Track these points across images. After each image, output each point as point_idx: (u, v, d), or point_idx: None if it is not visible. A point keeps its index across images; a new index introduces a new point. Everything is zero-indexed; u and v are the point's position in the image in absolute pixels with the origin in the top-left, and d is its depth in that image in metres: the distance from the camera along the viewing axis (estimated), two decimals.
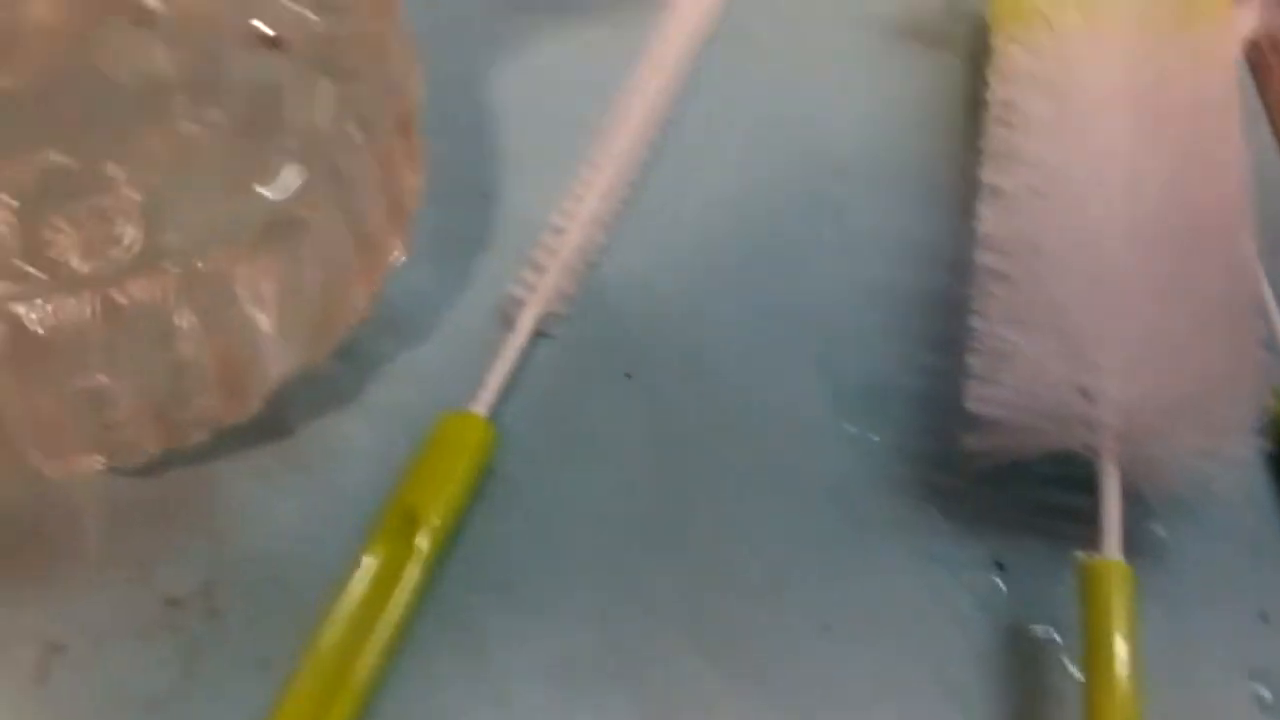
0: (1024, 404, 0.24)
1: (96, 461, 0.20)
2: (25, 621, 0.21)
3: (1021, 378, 0.24)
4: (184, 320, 0.17)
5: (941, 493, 0.26)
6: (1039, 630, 0.24)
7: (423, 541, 0.22)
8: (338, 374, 0.25)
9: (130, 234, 0.18)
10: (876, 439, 0.27)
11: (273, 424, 0.24)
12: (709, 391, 0.27)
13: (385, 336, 0.26)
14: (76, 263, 0.17)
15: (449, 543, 0.23)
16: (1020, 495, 0.25)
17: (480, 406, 0.25)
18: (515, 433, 0.25)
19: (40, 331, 0.16)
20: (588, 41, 0.33)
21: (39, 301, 0.17)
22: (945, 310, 0.28)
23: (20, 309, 0.17)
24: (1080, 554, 0.23)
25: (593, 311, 0.28)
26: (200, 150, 0.18)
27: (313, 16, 0.18)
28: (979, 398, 0.25)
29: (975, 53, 0.36)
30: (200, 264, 0.18)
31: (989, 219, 0.28)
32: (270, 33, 0.17)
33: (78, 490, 0.23)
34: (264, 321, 0.19)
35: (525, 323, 0.27)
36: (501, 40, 0.33)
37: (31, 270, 0.17)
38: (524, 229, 0.28)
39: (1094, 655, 0.21)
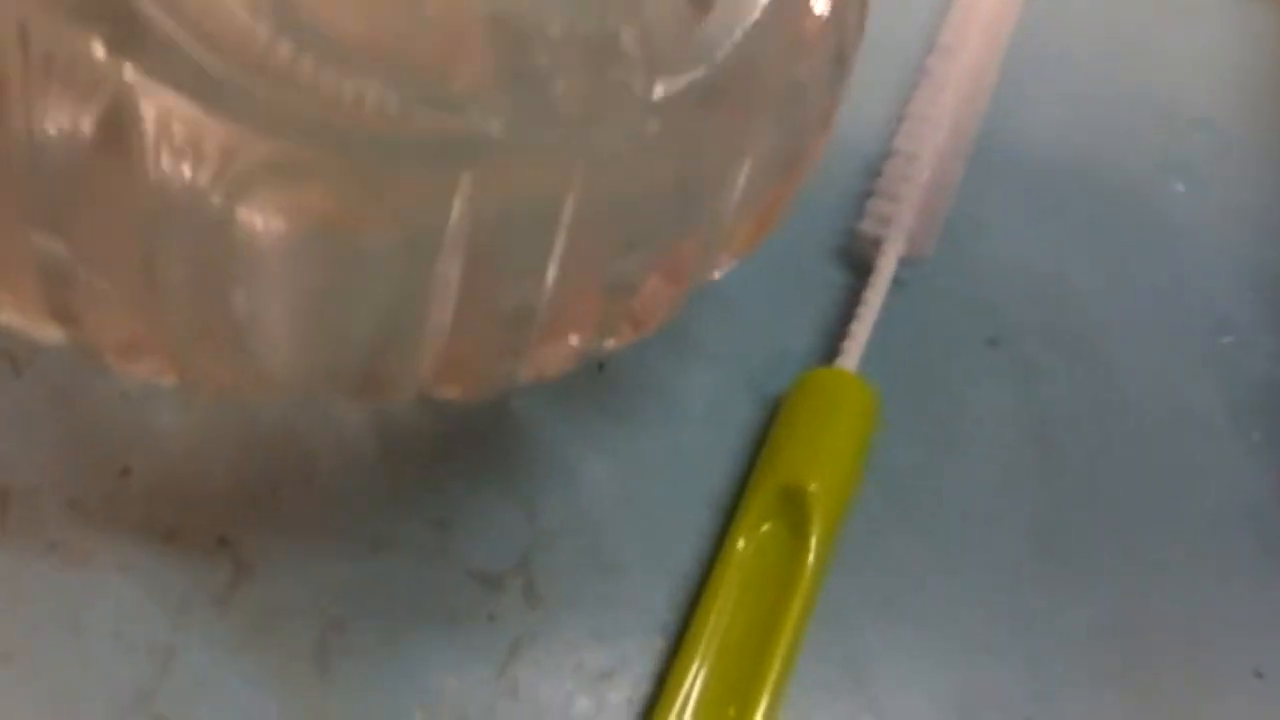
0: None
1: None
2: (302, 594, 0.16)
3: None
4: None
5: None
6: None
7: (817, 528, 0.17)
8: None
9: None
10: (1272, 438, 0.21)
11: (586, 366, 0.19)
12: (1088, 375, 0.22)
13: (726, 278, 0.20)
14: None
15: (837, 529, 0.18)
16: None
17: (849, 363, 0.20)
18: (883, 402, 0.20)
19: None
20: None
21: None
22: None
23: None
24: None
25: (946, 261, 0.22)
26: None
27: None
28: None
29: None
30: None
31: None
32: None
33: (365, 430, 0.17)
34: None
35: (884, 265, 0.21)
36: None
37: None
38: (858, 159, 0.23)
39: None
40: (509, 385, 0.15)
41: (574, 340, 0.15)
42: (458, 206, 0.12)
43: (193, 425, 0.17)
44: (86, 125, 0.10)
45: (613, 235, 0.13)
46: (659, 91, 0.12)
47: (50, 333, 0.13)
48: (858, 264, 0.22)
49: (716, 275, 0.16)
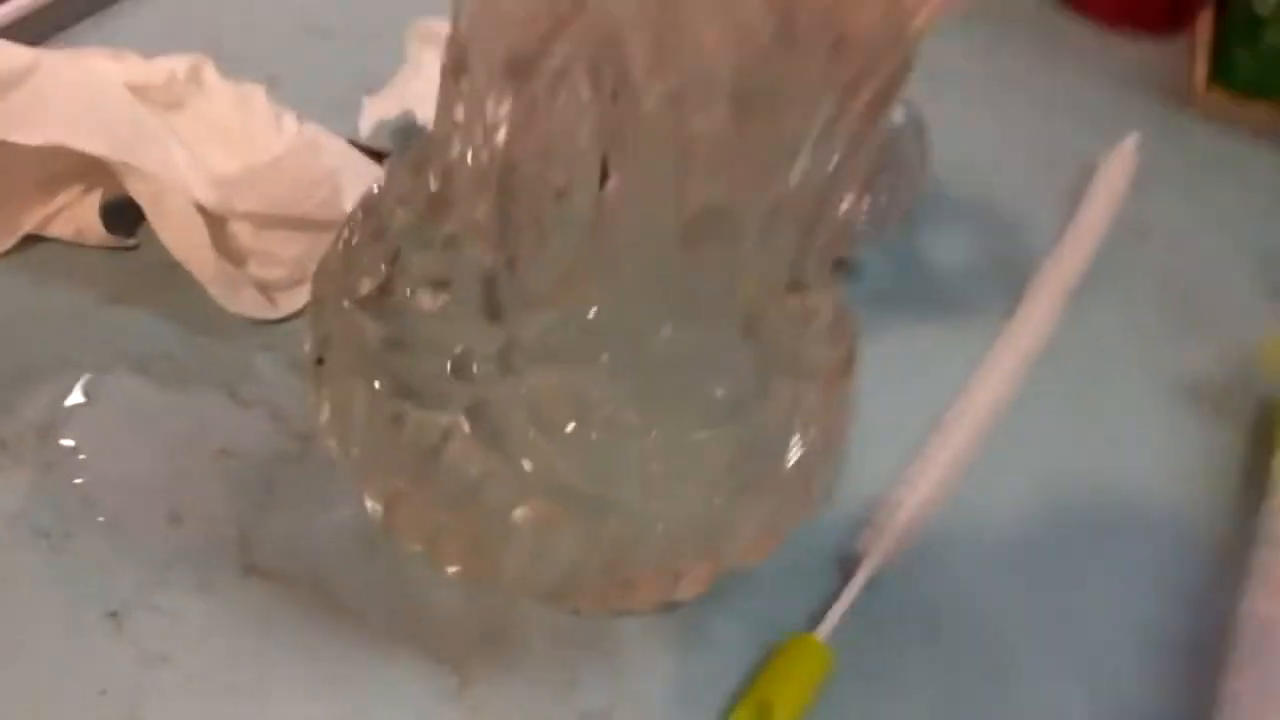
0: None
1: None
2: (495, 699, 0.29)
3: None
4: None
5: None
6: None
7: None
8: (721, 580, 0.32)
9: None
10: None
11: (665, 607, 0.32)
12: (995, 673, 0.33)
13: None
14: None
15: None
16: None
17: (823, 633, 0.32)
18: (845, 660, 0.32)
19: None
20: (929, 346, 0.41)
21: None
22: (1204, 664, 0.34)
23: None
24: None
25: (914, 575, 0.35)
26: None
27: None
28: None
29: (1258, 423, 0.42)
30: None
31: (1255, 598, 0.34)
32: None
33: (536, 617, 0.31)
34: (738, 549, 0.27)
35: (861, 574, 0.34)
36: (869, 328, 0.41)
37: None
38: (864, 495, 0.36)
39: None
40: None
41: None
42: None
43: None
44: None
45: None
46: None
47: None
48: (850, 571, 0.35)
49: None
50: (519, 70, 0.20)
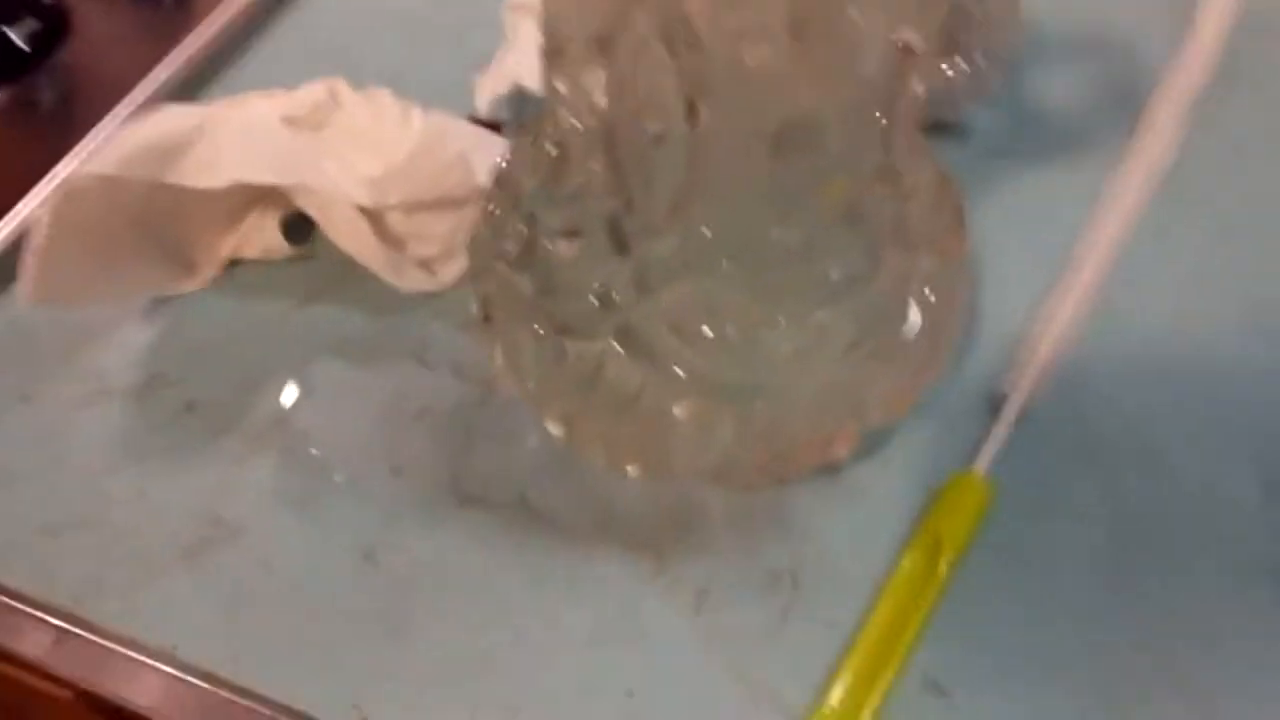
0: None
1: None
2: (689, 573, 0.33)
3: None
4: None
5: None
6: None
7: (944, 563, 0.32)
8: (874, 434, 0.35)
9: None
10: None
11: (828, 469, 0.35)
12: (1158, 479, 0.35)
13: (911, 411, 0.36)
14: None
15: (960, 562, 0.33)
16: None
17: (980, 469, 0.35)
18: (1005, 493, 0.34)
19: None
20: (1052, 187, 0.42)
21: None
22: None
23: None
24: None
25: (1062, 404, 0.37)
26: None
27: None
28: None
29: None
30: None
31: None
32: None
33: (713, 498, 0.35)
34: (876, 409, 0.30)
35: (1010, 410, 0.36)
36: (977, 189, 0.43)
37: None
38: (1006, 337, 0.38)
39: None
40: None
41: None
42: None
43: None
44: None
45: None
46: None
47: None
48: (999, 407, 0.37)
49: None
50: (605, 44, 0.23)
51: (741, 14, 0.21)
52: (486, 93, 0.42)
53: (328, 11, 0.52)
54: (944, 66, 0.42)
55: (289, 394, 0.38)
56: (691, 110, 0.23)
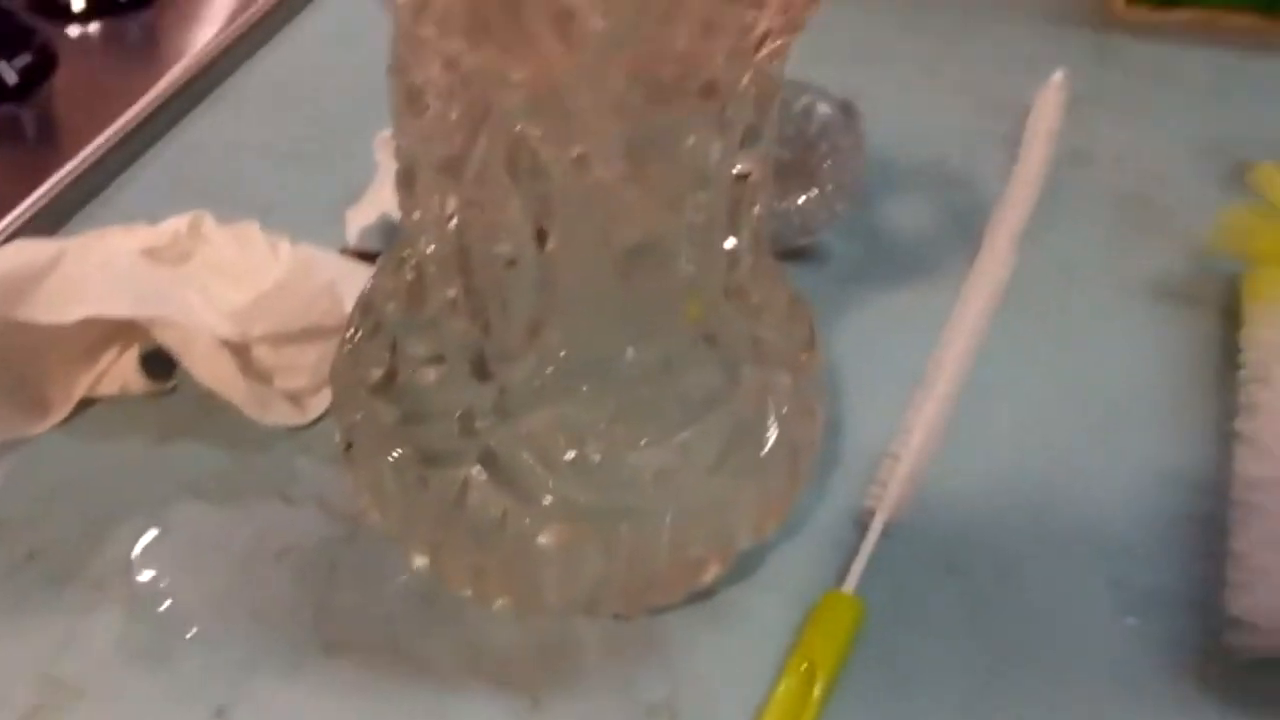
0: (1277, 613, 0.32)
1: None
2: (564, 711, 0.32)
3: (1274, 592, 0.32)
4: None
5: (1210, 679, 0.33)
6: None
7: (819, 688, 0.32)
8: (744, 556, 0.36)
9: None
10: (1154, 631, 0.35)
11: (702, 592, 0.35)
12: (1016, 588, 0.36)
13: (775, 532, 0.36)
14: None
15: (835, 683, 0.33)
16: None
17: (849, 587, 0.35)
18: (875, 609, 0.35)
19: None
20: (902, 309, 0.44)
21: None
22: (1210, 528, 0.36)
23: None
24: None
25: (923, 518, 0.38)
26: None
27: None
28: (1239, 605, 0.33)
29: (1228, 306, 0.44)
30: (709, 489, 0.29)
31: (1243, 460, 0.36)
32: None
33: (587, 630, 0.34)
34: (744, 529, 0.30)
35: (875, 526, 0.37)
36: (833, 312, 0.45)
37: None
38: (865, 455, 0.39)
39: None
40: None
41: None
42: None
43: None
44: None
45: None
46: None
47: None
48: (865, 526, 0.38)
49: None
50: (453, 169, 0.24)
51: (580, 141, 0.22)
52: (356, 224, 0.43)
53: (198, 145, 0.52)
54: (797, 196, 0.44)
55: (141, 538, 0.36)
56: (540, 234, 0.24)
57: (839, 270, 0.46)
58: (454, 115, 0.22)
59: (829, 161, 0.45)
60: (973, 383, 0.41)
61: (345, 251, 0.43)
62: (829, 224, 0.46)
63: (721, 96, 0.23)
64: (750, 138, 0.24)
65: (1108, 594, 0.36)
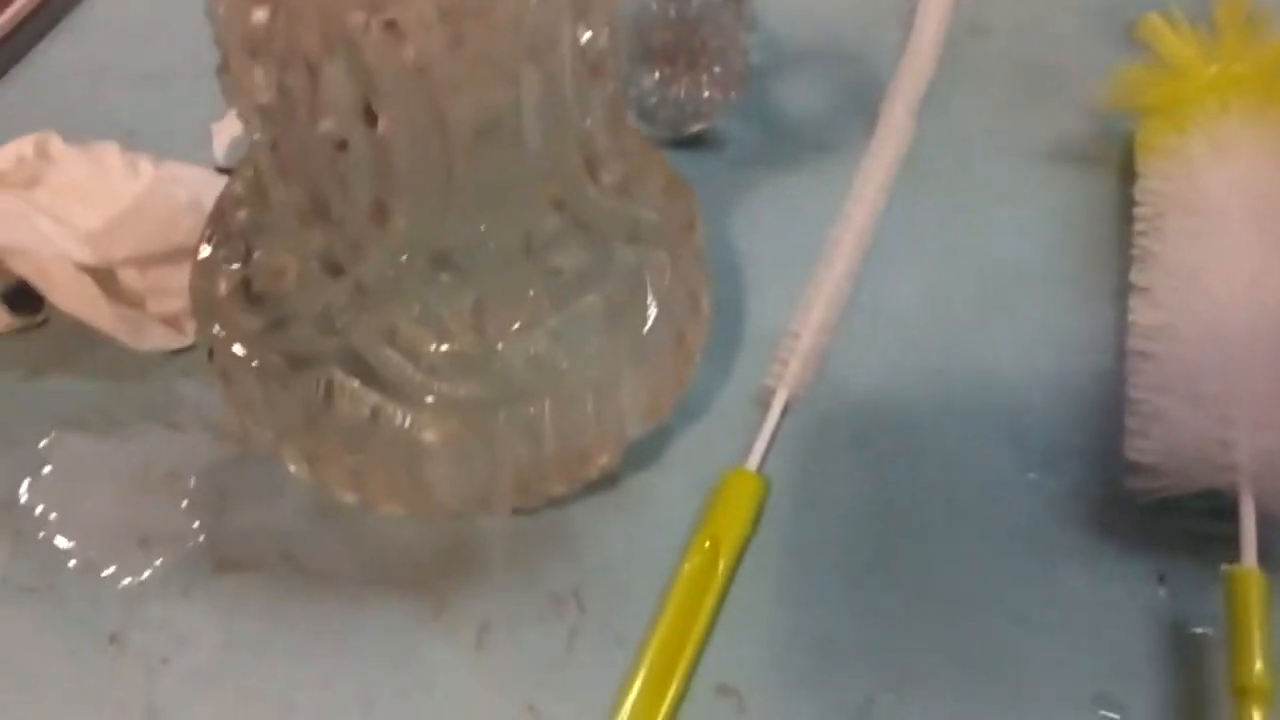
0: (1174, 453, 0.32)
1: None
2: (470, 609, 0.32)
3: (1171, 433, 0.32)
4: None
5: (1111, 525, 0.33)
6: (1197, 629, 0.31)
7: (723, 563, 0.32)
8: (647, 442, 0.35)
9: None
10: (1054, 484, 0.35)
11: (603, 480, 0.35)
12: (920, 455, 0.36)
13: (676, 416, 0.36)
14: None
15: (739, 561, 0.33)
16: (1177, 523, 0.33)
17: (752, 464, 0.35)
18: (779, 487, 0.35)
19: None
20: (801, 189, 0.43)
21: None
22: (1107, 383, 0.36)
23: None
24: (1225, 566, 0.30)
25: (826, 394, 0.37)
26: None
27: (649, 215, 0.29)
28: (1138, 449, 0.33)
29: (1125, 164, 0.44)
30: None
31: (1137, 310, 0.36)
32: None
33: (489, 526, 0.34)
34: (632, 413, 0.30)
35: (777, 404, 0.37)
36: (732, 196, 0.44)
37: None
38: (767, 336, 0.38)
39: (1236, 646, 0.29)
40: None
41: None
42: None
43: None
44: None
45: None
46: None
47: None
48: (766, 404, 0.37)
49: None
50: (264, 46, 0.22)
51: (391, 10, 0.20)
52: (223, 139, 0.41)
53: (55, 73, 0.49)
54: (683, 80, 0.42)
55: (19, 476, 0.35)
56: (369, 114, 0.23)
57: (736, 154, 0.45)
58: None
59: (715, 42, 0.43)
60: (872, 257, 0.41)
61: (218, 169, 0.41)
62: (722, 108, 0.44)
63: None
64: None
65: (1009, 453, 0.36)
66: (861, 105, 0.47)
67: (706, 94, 0.43)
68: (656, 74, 0.43)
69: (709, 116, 0.44)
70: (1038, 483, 0.35)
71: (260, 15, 0.21)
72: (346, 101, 0.22)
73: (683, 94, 0.43)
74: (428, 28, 0.21)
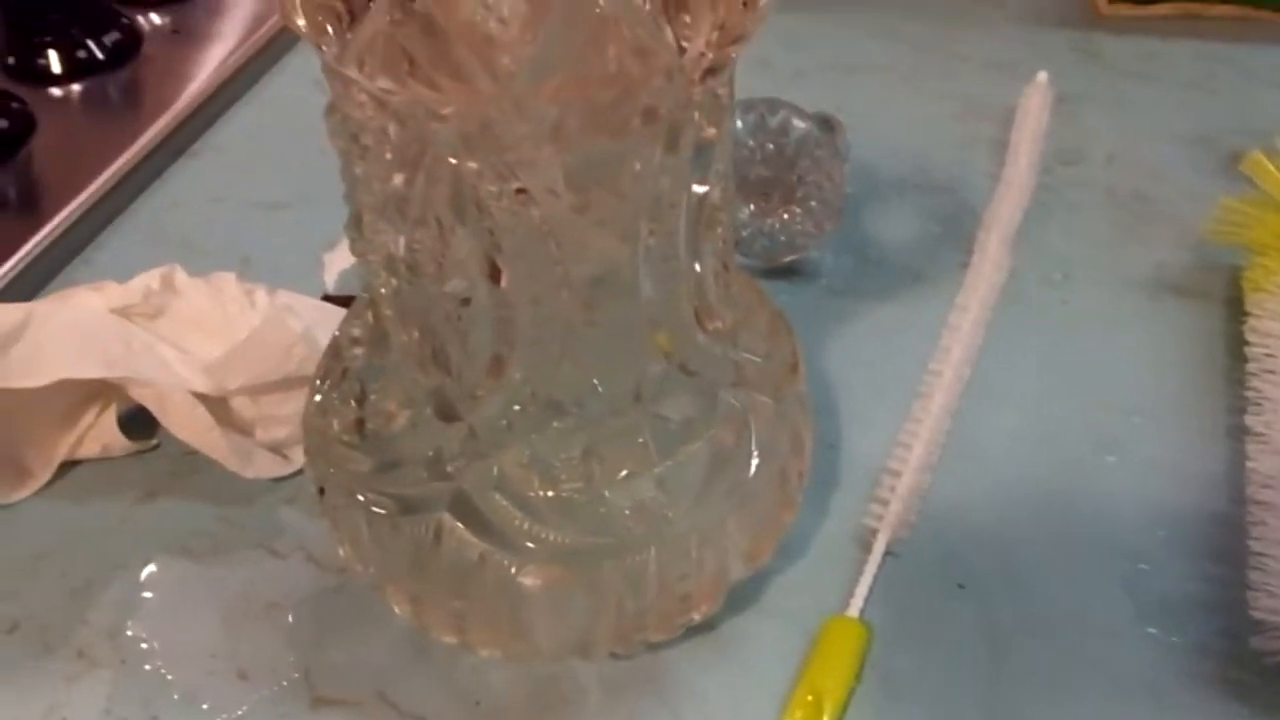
0: None
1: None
2: None
3: None
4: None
5: (1239, 684, 0.32)
6: None
7: (827, 719, 0.31)
8: (746, 584, 0.35)
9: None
10: (1176, 640, 0.33)
11: (702, 624, 0.34)
12: (1029, 602, 0.34)
13: (774, 556, 0.35)
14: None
15: (843, 711, 0.32)
16: None
17: (853, 610, 0.34)
18: (882, 632, 0.34)
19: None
20: (897, 320, 0.43)
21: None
22: (1225, 528, 0.35)
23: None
24: None
25: (926, 534, 0.36)
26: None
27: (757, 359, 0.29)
28: (1262, 607, 0.31)
29: (1230, 297, 0.43)
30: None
31: (1256, 457, 0.35)
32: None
33: (584, 673, 0.33)
34: (735, 558, 0.29)
35: (878, 547, 0.36)
36: (826, 326, 0.44)
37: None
38: (866, 471, 0.38)
39: None
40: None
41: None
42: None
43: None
44: None
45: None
46: None
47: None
48: (868, 546, 0.37)
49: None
50: (397, 210, 0.23)
51: (518, 174, 0.21)
52: (334, 269, 0.42)
53: (177, 201, 0.52)
54: (780, 213, 0.43)
55: (126, 601, 0.36)
56: (493, 271, 0.23)
57: (830, 285, 0.45)
58: (390, 154, 0.22)
59: (810, 176, 0.44)
60: (972, 391, 0.40)
61: (326, 298, 0.43)
62: (816, 239, 0.45)
63: (663, 119, 0.22)
64: (705, 158, 0.23)
65: (1124, 602, 0.34)
66: (956, 235, 0.47)
67: (801, 226, 0.44)
68: (752, 206, 0.43)
69: (804, 248, 0.45)
70: (1158, 638, 0.33)
71: (399, 180, 0.22)
72: (473, 260, 0.23)
73: (778, 226, 0.44)
74: (556, 195, 0.21)
